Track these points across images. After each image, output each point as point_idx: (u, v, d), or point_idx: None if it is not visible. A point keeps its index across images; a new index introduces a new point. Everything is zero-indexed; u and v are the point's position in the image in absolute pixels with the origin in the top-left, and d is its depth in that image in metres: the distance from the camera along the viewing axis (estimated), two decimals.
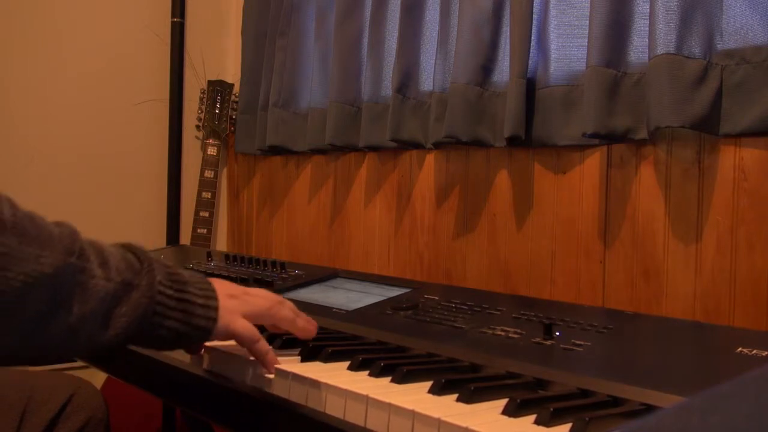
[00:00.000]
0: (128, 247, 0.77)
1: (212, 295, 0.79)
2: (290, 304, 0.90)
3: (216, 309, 0.79)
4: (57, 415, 1.12)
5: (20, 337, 0.65)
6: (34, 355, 0.69)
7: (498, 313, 1.03)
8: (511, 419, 0.65)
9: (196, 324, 0.77)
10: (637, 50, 1.25)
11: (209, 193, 2.14)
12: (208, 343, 0.90)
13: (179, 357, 0.96)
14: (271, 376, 0.82)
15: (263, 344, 0.83)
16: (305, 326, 0.89)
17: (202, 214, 2.13)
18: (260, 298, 0.86)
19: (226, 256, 1.58)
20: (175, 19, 2.17)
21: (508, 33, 1.42)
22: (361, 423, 0.71)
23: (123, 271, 0.72)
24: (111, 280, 0.70)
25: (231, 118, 2.23)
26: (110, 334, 0.70)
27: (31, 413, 1.10)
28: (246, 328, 0.82)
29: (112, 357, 1.10)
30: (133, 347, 0.81)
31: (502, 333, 0.93)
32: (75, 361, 1.14)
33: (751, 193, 1.13)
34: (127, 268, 0.73)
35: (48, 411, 1.11)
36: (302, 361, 0.87)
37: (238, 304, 0.82)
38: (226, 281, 0.87)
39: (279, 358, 0.86)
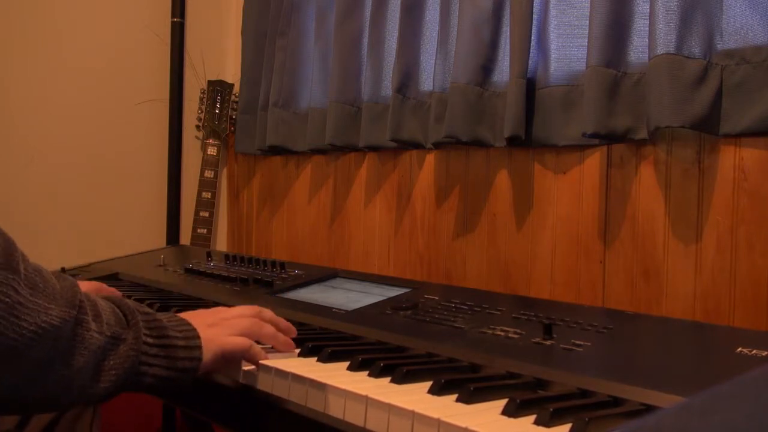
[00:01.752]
0: (113, 301, 0.80)
1: (193, 335, 0.81)
2: (269, 312, 0.92)
3: (199, 348, 0.81)
4: None
5: (21, 385, 0.68)
6: (28, 405, 0.71)
7: (498, 313, 1.03)
8: (511, 419, 0.65)
9: (182, 367, 0.79)
10: (637, 50, 1.25)
11: (209, 193, 2.14)
12: None
13: None
14: (267, 362, 0.84)
15: (256, 347, 0.86)
16: (286, 341, 0.91)
17: (202, 214, 2.13)
18: (240, 318, 0.88)
19: (226, 256, 1.58)
20: (175, 19, 2.17)
21: (508, 33, 1.42)
22: (360, 423, 0.71)
23: (113, 325, 0.75)
24: (103, 334, 0.73)
25: (231, 118, 2.23)
26: (101, 386, 0.73)
27: None
28: (236, 343, 0.84)
29: None
30: None
31: (502, 333, 0.93)
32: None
33: (751, 193, 1.13)
34: (117, 322, 0.76)
35: None
36: None
37: (220, 331, 0.85)
38: (202, 311, 0.89)
39: (278, 359, 0.86)
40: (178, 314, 0.86)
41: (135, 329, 0.77)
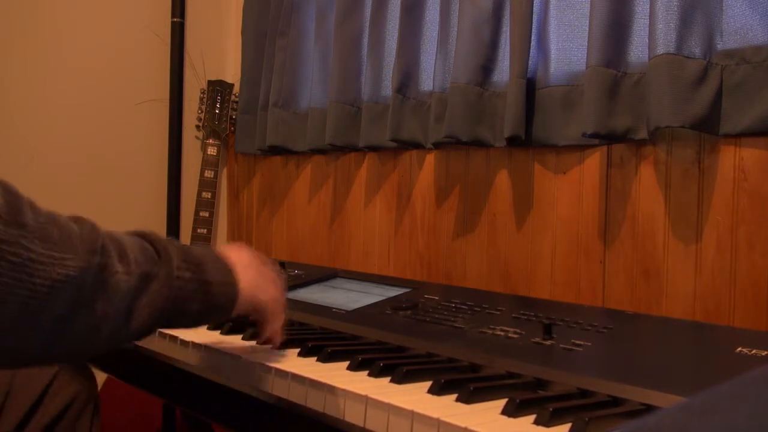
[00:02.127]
0: (143, 235, 0.77)
1: (230, 272, 0.80)
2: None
3: (235, 285, 0.80)
4: (42, 393, 1.11)
5: (45, 339, 0.66)
6: (57, 356, 0.70)
7: (498, 313, 1.03)
8: (511, 419, 0.65)
9: (218, 303, 0.78)
10: (637, 50, 1.25)
11: (209, 193, 2.14)
12: (205, 342, 0.91)
13: (179, 357, 0.96)
14: (268, 362, 0.84)
15: (278, 323, 0.87)
16: (276, 339, 0.91)
17: (202, 214, 2.13)
18: (275, 280, 0.88)
19: None
20: (175, 19, 2.17)
21: (508, 33, 1.42)
22: (360, 423, 0.71)
23: (141, 263, 0.72)
24: (131, 274, 0.71)
25: (231, 118, 2.23)
26: (134, 326, 0.71)
27: (13, 397, 1.09)
28: (271, 300, 0.84)
29: (111, 357, 1.10)
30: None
31: (502, 333, 0.93)
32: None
33: (751, 193, 1.13)
34: (145, 260, 0.73)
35: (32, 390, 1.10)
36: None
37: (258, 276, 0.84)
38: (241, 248, 0.87)
39: (279, 359, 0.86)
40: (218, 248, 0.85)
41: (167, 264, 0.74)
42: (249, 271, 0.83)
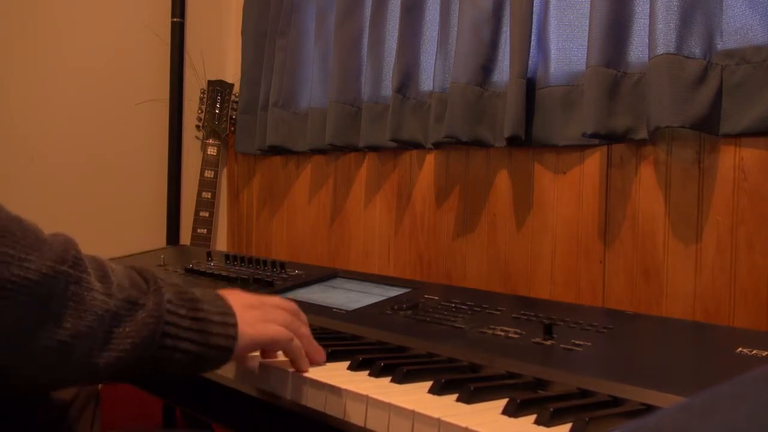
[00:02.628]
0: (132, 267, 0.72)
1: (229, 311, 0.74)
2: (305, 317, 0.86)
3: (235, 325, 0.74)
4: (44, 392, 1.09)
5: (2, 351, 0.60)
6: (20, 375, 0.62)
7: (498, 313, 1.03)
8: (511, 419, 0.65)
9: (215, 343, 0.72)
10: (637, 50, 1.25)
11: (209, 193, 2.15)
12: None
13: None
14: (307, 374, 0.79)
15: (297, 342, 0.80)
16: (319, 348, 0.84)
17: (202, 214, 2.13)
18: (279, 310, 0.82)
19: (226, 256, 1.58)
20: (175, 19, 2.17)
21: (508, 33, 1.42)
22: (360, 423, 0.71)
23: (126, 289, 0.67)
24: (112, 296, 0.65)
25: (231, 118, 2.23)
26: (113, 356, 0.64)
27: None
28: (277, 331, 0.78)
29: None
30: None
31: (502, 333, 0.93)
32: (76, 385, 1.09)
33: (751, 193, 1.13)
34: (132, 286, 0.68)
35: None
36: None
37: (259, 314, 0.78)
38: (240, 292, 0.82)
39: (278, 358, 0.86)
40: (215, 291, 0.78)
41: (156, 295, 0.68)
42: (249, 311, 0.77)
